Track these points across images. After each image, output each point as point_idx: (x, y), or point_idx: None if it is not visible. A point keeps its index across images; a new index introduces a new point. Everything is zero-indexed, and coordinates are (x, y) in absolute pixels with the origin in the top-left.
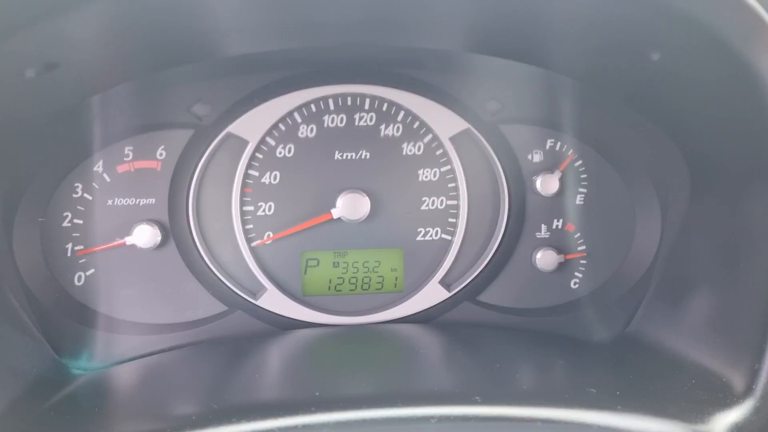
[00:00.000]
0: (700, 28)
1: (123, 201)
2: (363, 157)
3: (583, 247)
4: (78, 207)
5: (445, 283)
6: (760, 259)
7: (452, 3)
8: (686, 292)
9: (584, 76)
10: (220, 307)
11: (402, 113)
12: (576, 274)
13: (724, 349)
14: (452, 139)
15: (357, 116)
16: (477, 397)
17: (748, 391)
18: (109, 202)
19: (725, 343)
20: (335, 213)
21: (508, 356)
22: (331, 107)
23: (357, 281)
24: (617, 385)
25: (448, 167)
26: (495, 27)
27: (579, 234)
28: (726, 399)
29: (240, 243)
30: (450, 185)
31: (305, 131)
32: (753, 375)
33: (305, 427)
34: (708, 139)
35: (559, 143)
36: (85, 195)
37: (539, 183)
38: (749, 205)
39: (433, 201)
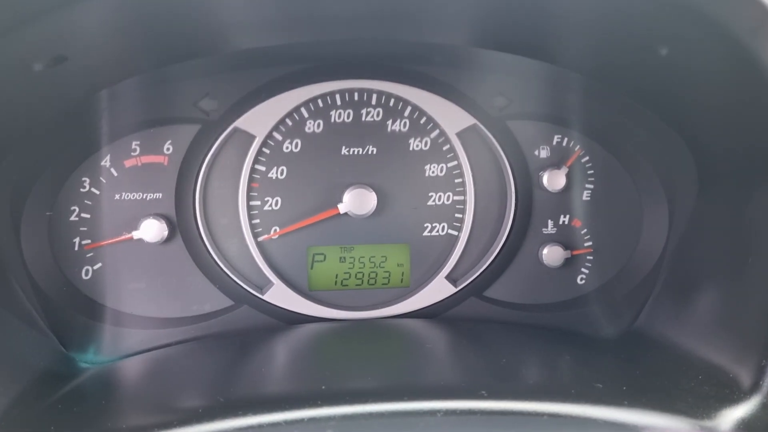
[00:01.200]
0: (708, 22)
1: (130, 195)
2: (370, 152)
3: (590, 243)
4: (85, 201)
5: (452, 278)
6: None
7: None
8: (694, 288)
9: (592, 71)
10: (227, 302)
11: (409, 108)
12: (583, 269)
13: (731, 344)
14: (459, 135)
15: (364, 111)
16: (483, 392)
17: (755, 387)
18: (117, 196)
19: (732, 338)
20: (342, 208)
21: (514, 351)
22: (338, 102)
23: (363, 276)
24: (624, 380)
25: (455, 162)
26: (503, 22)
27: (586, 230)
28: (733, 395)
29: (247, 238)
30: (457, 180)
31: (312, 126)
32: (760, 371)
33: (311, 420)
34: (716, 134)
35: (566, 139)
36: (93, 189)
37: (546, 179)
38: (757, 201)
39: (440, 196)
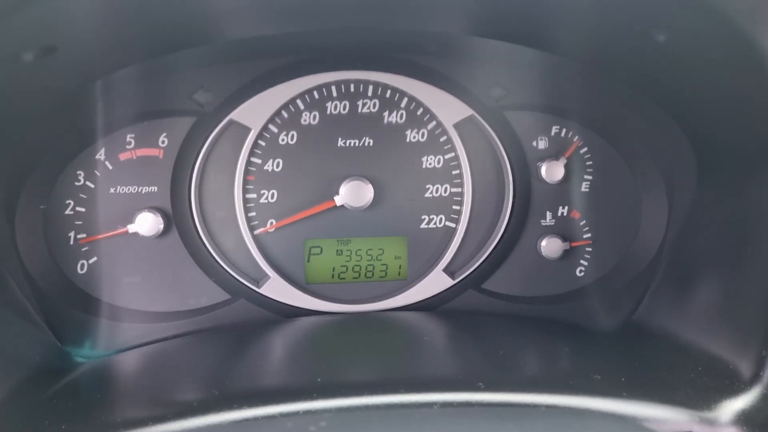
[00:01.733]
0: (704, 6)
1: (125, 189)
2: (366, 144)
3: (589, 235)
4: (80, 195)
5: (450, 270)
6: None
7: None
8: (693, 279)
9: (590, 60)
10: (223, 296)
11: (405, 100)
12: (581, 261)
13: (731, 335)
14: (456, 126)
15: (360, 103)
16: (480, 384)
17: (755, 378)
18: (112, 189)
19: (732, 329)
20: (338, 200)
21: (512, 344)
22: (334, 94)
23: (361, 269)
24: (623, 372)
25: (452, 154)
26: (499, 9)
27: (585, 221)
28: (733, 386)
29: (243, 231)
30: (454, 172)
31: (308, 118)
32: (760, 362)
33: (306, 413)
34: (714, 122)
35: (564, 130)
36: (88, 183)
37: (544, 170)
38: (757, 189)
39: (437, 188)
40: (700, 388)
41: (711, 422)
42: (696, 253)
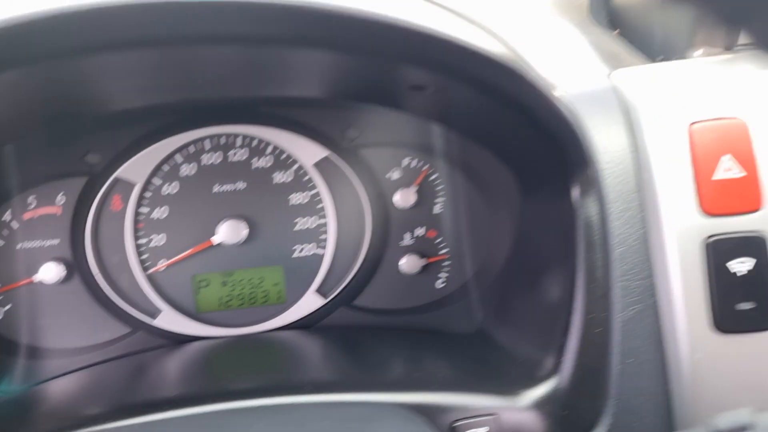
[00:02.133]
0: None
1: (30, 244)
2: (239, 188)
3: (446, 250)
4: None
5: (322, 291)
6: (568, 253)
7: (302, 69)
8: (521, 287)
9: (424, 114)
10: (124, 329)
11: (270, 147)
12: (439, 275)
13: (542, 334)
14: (316, 165)
15: (231, 153)
16: (309, 387)
17: (555, 368)
18: (19, 246)
19: (544, 328)
20: (215, 239)
21: (366, 352)
22: (207, 147)
23: (244, 297)
24: (455, 370)
25: (316, 191)
26: (347, 83)
27: (441, 239)
28: (539, 376)
29: (136, 272)
30: (318, 206)
31: (186, 169)
32: (559, 353)
33: (151, 423)
34: (519, 155)
35: (415, 160)
36: None
37: (398, 197)
38: (557, 211)
39: (306, 221)
40: (512, 378)
41: (513, 406)
42: (524, 265)
